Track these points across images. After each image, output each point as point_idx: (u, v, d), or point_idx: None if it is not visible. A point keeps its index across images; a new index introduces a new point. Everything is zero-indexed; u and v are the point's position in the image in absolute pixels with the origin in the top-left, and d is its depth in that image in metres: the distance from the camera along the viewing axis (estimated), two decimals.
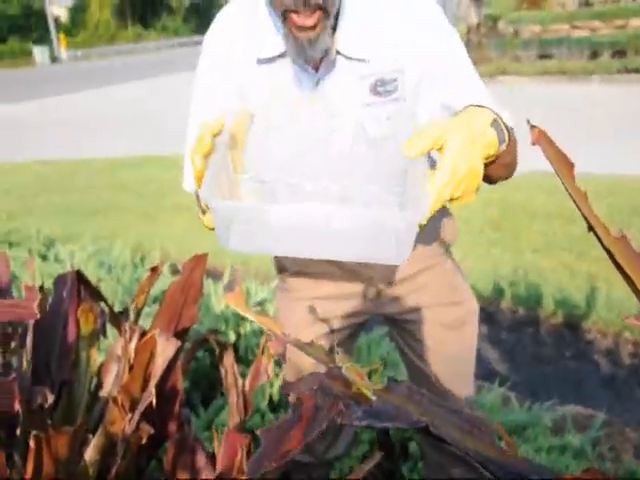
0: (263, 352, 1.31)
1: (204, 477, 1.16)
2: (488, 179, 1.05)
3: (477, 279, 3.43)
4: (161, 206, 5.62)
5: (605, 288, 3.16)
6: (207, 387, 2.23)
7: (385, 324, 1.53)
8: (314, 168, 1.11)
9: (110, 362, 1.35)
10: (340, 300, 1.40)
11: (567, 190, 0.62)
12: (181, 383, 1.25)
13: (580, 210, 0.61)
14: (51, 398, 1.13)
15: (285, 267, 1.44)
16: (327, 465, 1.59)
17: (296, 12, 1.01)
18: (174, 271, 3.43)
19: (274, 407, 2.09)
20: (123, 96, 15.11)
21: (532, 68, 12.66)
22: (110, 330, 1.82)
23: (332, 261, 1.28)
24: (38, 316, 0.78)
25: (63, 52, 34.04)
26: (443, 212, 1.37)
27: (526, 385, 2.59)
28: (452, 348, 1.43)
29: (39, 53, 32.36)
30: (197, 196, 1.20)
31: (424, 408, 0.62)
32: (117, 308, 2.64)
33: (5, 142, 9.92)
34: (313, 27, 1.02)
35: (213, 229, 0.97)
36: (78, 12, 45.55)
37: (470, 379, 1.51)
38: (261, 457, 0.60)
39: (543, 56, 14.37)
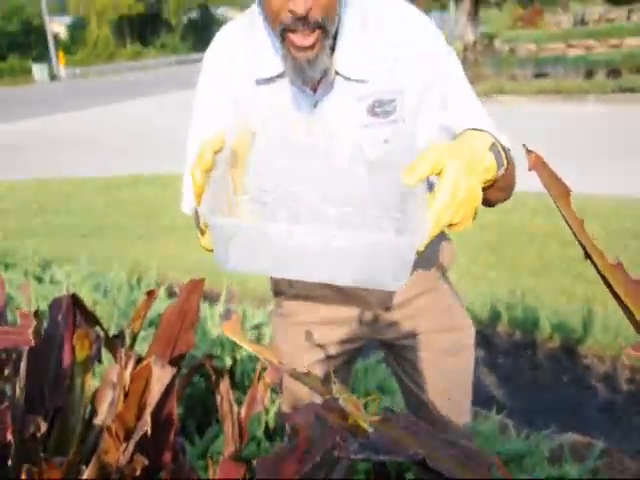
0: (259, 379, 1.30)
1: None
2: (486, 202, 1.05)
3: (473, 302, 3.42)
4: (157, 225, 5.62)
5: (601, 311, 3.15)
6: (202, 413, 2.21)
7: (381, 349, 1.52)
8: (312, 189, 1.11)
9: (105, 389, 1.34)
10: (337, 325, 1.40)
11: (563, 216, 0.62)
12: (176, 411, 1.24)
13: (576, 236, 0.61)
14: (44, 427, 1.12)
15: (282, 290, 1.43)
16: None
17: (294, 32, 1.01)
18: (170, 293, 3.42)
19: (270, 434, 2.07)
20: (121, 114, 15.15)
21: (528, 87, 12.75)
22: (105, 354, 1.82)
23: (329, 285, 1.28)
24: (33, 343, 0.77)
25: (62, 70, 34.16)
26: (441, 236, 1.37)
27: (523, 411, 2.58)
28: (449, 374, 1.43)
29: (38, 71, 32.48)
30: (196, 216, 1.20)
31: (421, 440, 0.61)
32: (113, 331, 2.66)
33: (3, 161, 9.91)
34: (312, 47, 1.03)
35: (211, 250, 0.96)
36: (77, 30, 45.84)
37: (467, 405, 1.50)
38: None
39: (539, 75, 14.49)
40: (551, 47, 19.73)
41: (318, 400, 0.70)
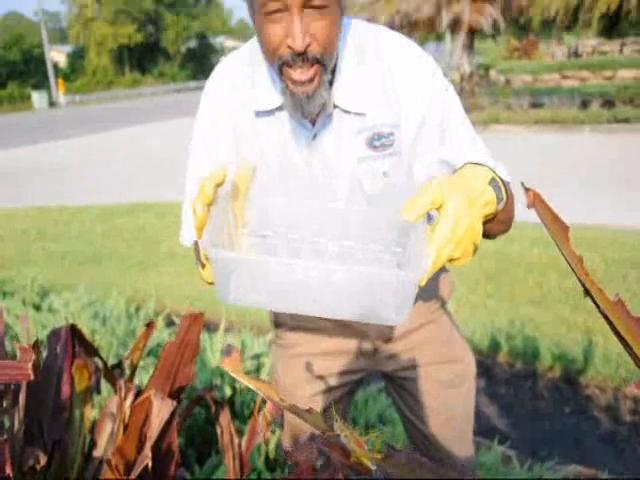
0: (259, 411, 1.29)
1: None
2: (486, 235, 1.05)
3: (473, 331, 3.41)
4: (156, 253, 5.61)
5: (602, 342, 3.15)
6: (202, 443, 2.19)
7: (382, 379, 1.51)
8: (312, 223, 1.11)
9: (104, 420, 1.32)
10: (337, 356, 1.39)
11: (562, 254, 0.62)
12: (176, 443, 1.23)
13: (576, 274, 0.61)
14: (44, 459, 1.10)
15: (282, 322, 1.43)
16: None
17: (293, 66, 1.02)
18: (169, 322, 3.40)
19: (271, 465, 2.05)
20: (119, 141, 15.23)
21: (524, 116, 12.87)
22: (104, 383, 1.80)
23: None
24: (32, 377, 0.77)
25: (61, 97, 34.43)
26: (440, 268, 1.37)
27: (525, 441, 2.55)
28: (451, 406, 1.42)
29: (38, 98, 32.74)
30: (196, 249, 1.20)
31: (424, 478, 0.61)
32: (111, 361, 2.63)
33: (3, 188, 9.94)
34: (310, 81, 1.03)
35: (211, 284, 0.96)
36: (77, 58, 46.30)
37: (469, 437, 1.49)
38: None
39: (535, 105, 14.65)
40: (546, 78, 20.02)
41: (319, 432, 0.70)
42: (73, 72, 44.51)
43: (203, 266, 0.97)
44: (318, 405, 1.41)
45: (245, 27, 59.36)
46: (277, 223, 1.08)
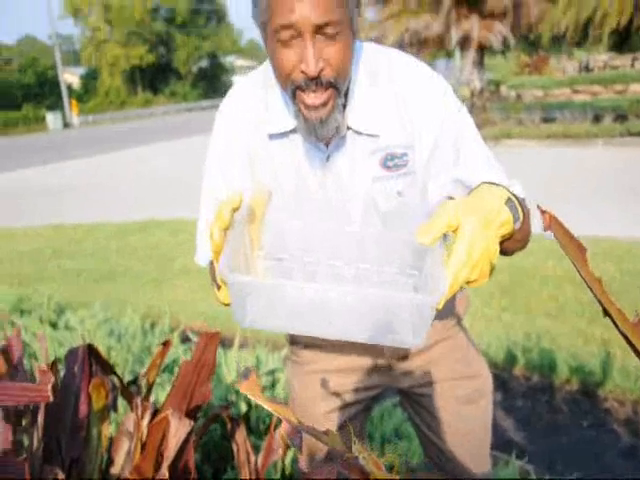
0: (276, 427, 1.29)
1: None
2: (503, 252, 1.05)
3: (488, 345, 3.39)
4: (170, 270, 5.64)
5: (620, 354, 3.12)
6: (218, 458, 2.19)
7: (397, 394, 1.50)
8: (327, 245, 1.11)
9: (121, 438, 1.33)
10: (352, 373, 1.39)
11: (580, 274, 0.62)
12: (193, 462, 1.23)
13: (595, 295, 0.61)
14: (62, 477, 1.11)
15: (297, 339, 1.43)
16: None
17: (306, 91, 1.03)
18: (184, 338, 3.41)
19: None
20: (132, 160, 15.36)
21: (536, 131, 12.84)
22: (120, 400, 1.80)
23: None
24: (51, 399, 0.77)
25: (75, 118, 34.81)
26: None
27: (543, 455, 2.53)
28: (467, 422, 1.41)
29: (52, 119, 33.10)
30: (212, 270, 1.21)
31: None
32: (127, 377, 2.64)
33: (19, 208, 10.04)
34: (324, 105, 1.04)
35: (227, 305, 0.96)
36: (90, 80, 46.85)
37: (486, 452, 1.48)
38: None
39: (546, 119, 14.62)
40: (557, 93, 20.00)
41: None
42: (86, 93, 45.03)
43: (219, 287, 0.98)
44: (334, 422, 1.40)
45: (255, 47, 59.92)
46: (293, 246, 1.08)
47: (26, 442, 1.18)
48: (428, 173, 1.17)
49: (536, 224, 1.12)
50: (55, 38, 38.07)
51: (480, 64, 15.46)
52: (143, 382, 1.42)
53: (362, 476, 0.61)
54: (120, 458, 1.30)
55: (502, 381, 3.13)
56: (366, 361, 1.37)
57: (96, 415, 1.28)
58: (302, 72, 1.01)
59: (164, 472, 1.05)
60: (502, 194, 0.89)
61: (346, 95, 1.12)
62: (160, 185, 10.87)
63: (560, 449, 2.58)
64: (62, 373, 1.38)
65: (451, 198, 1.17)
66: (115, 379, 1.41)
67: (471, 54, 15.02)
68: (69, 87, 40.14)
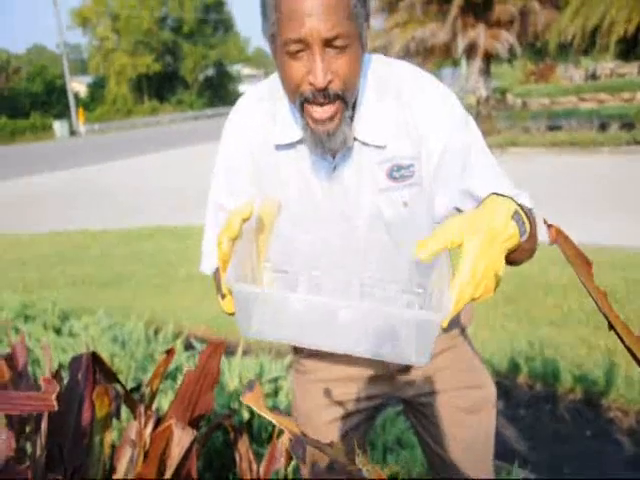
0: (278, 436, 1.29)
1: None
2: (511, 263, 1.04)
3: (492, 353, 3.39)
4: (174, 277, 5.66)
5: (624, 364, 3.11)
6: (220, 467, 2.19)
7: (400, 402, 1.50)
8: (333, 258, 1.12)
9: (124, 446, 1.33)
10: (356, 383, 1.39)
11: (586, 288, 0.62)
12: (196, 470, 1.23)
13: (600, 309, 0.61)
14: None
15: (300, 348, 1.43)
16: None
17: (313, 103, 1.04)
18: (187, 346, 3.42)
19: None
20: (138, 168, 15.41)
21: (542, 139, 12.83)
22: (124, 407, 1.81)
23: None
24: (56, 408, 0.78)
25: (81, 126, 34.96)
26: None
27: (546, 465, 2.52)
28: (470, 432, 1.41)
29: (59, 127, 33.27)
30: (216, 279, 1.21)
31: None
32: (130, 384, 2.64)
33: (25, 214, 10.09)
34: (331, 118, 1.05)
35: (231, 314, 0.97)
36: (97, 88, 47.06)
37: (489, 462, 1.48)
38: None
39: (552, 127, 14.60)
40: (563, 101, 19.99)
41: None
42: (93, 101, 45.22)
43: (223, 296, 0.98)
44: (337, 431, 1.41)
45: (262, 55, 60.03)
46: (299, 259, 1.09)
47: (29, 449, 1.19)
48: (435, 184, 1.18)
49: (541, 232, 1.12)
50: (63, 47, 38.31)
51: (486, 72, 15.48)
52: (146, 390, 1.43)
53: None
54: (123, 466, 1.30)
55: (505, 390, 3.13)
56: (369, 370, 1.37)
57: (99, 423, 1.29)
58: (310, 84, 1.01)
59: None
60: (509, 207, 0.88)
61: (354, 107, 1.13)
62: (166, 193, 10.91)
63: (563, 459, 2.57)
64: (66, 380, 1.39)
65: (459, 209, 1.18)
66: (119, 387, 1.42)
67: (477, 62, 15.04)
68: (76, 95, 40.31)
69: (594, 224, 6.23)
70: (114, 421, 2.00)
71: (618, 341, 0.59)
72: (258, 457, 2.00)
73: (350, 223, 1.19)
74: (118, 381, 1.40)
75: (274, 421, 0.67)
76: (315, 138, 1.08)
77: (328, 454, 0.64)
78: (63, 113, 38.43)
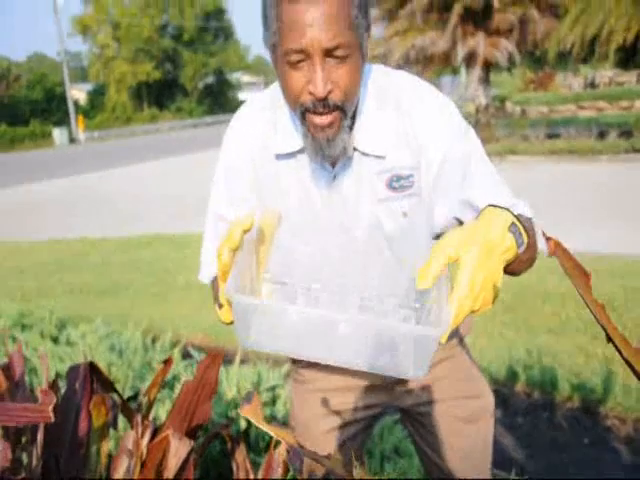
0: (276, 446, 1.29)
1: None
2: (510, 273, 1.04)
3: (490, 362, 3.39)
4: (172, 285, 5.65)
5: (622, 372, 3.10)
6: (217, 476, 2.18)
7: (398, 411, 1.50)
8: (332, 270, 1.12)
9: (121, 456, 1.33)
10: (353, 392, 1.39)
11: (584, 300, 0.63)
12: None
13: (598, 321, 0.61)
14: None
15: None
16: None
17: (314, 112, 1.05)
18: (185, 354, 3.41)
19: None
20: (137, 176, 15.41)
21: (541, 147, 12.86)
22: (120, 417, 1.80)
23: None
24: (53, 419, 0.78)
25: (81, 133, 34.99)
26: None
27: (543, 473, 2.52)
28: (468, 442, 1.41)
29: (58, 134, 33.29)
30: (213, 288, 1.22)
31: None
32: (127, 393, 2.64)
33: (24, 222, 10.09)
34: (330, 125, 1.06)
35: (228, 323, 0.97)
36: (97, 96, 47.12)
37: (487, 471, 1.48)
38: None
39: (551, 135, 14.63)
40: (562, 109, 20.04)
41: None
42: (93, 109, 45.29)
43: (220, 306, 0.99)
44: (334, 440, 1.41)
45: (262, 63, 60.12)
46: (298, 270, 1.09)
47: (25, 460, 1.19)
48: (435, 194, 1.18)
49: (540, 241, 1.12)
50: (64, 55, 38.37)
51: (486, 80, 15.52)
52: (144, 400, 1.43)
53: None
54: (119, 476, 1.30)
55: (503, 398, 3.13)
56: (367, 380, 1.37)
57: (96, 433, 1.29)
58: (310, 94, 1.02)
59: None
60: (506, 219, 0.88)
61: (353, 117, 1.13)
62: (166, 200, 10.92)
63: (561, 467, 2.57)
64: (63, 390, 1.39)
65: (459, 220, 1.18)
66: (116, 397, 1.42)
67: (477, 70, 15.08)
68: (76, 103, 40.37)
69: (593, 232, 6.24)
70: (111, 431, 1.99)
71: (615, 350, 0.60)
72: (255, 466, 1.99)
73: (349, 234, 1.19)
74: (115, 391, 1.40)
75: (272, 434, 0.67)
76: (315, 145, 1.08)
77: (325, 466, 0.65)
78: (63, 121, 38.46)
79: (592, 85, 25.21)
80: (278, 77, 1.09)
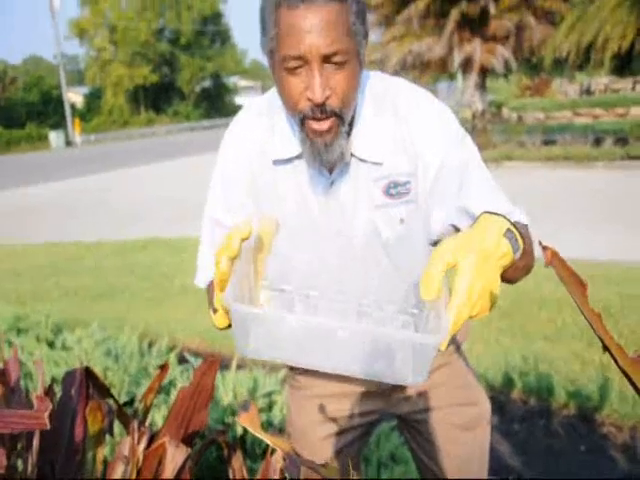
0: (272, 452, 1.28)
1: None
2: (507, 280, 1.04)
3: (486, 368, 3.38)
4: (168, 289, 5.65)
5: (618, 379, 3.11)
6: None
7: (395, 418, 1.50)
8: (330, 277, 1.12)
9: (117, 462, 1.33)
10: (350, 399, 1.39)
11: (580, 310, 0.62)
12: None
13: (594, 330, 0.61)
14: None
15: None
16: None
17: (312, 119, 1.05)
18: (181, 359, 3.40)
19: None
20: (133, 179, 15.40)
21: (537, 154, 12.89)
22: (117, 422, 1.80)
23: None
24: (49, 427, 0.78)
25: (77, 136, 34.96)
26: None
27: None
28: (464, 449, 1.41)
29: (54, 137, 33.26)
30: (208, 293, 1.21)
31: None
32: (123, 398, 2.63)
33: (20, 224, 10.08)
34: (328, 131, 1.06)
35: (223, 329, 0.97)
36: (94, 99, 47.13)
37: (483, 478, 1.47)
38: None
39: (547, 142, 14.68)
40: (558, 115, 20.10)
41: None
42: (89, 112, 45.29)
43: (215, 311, 0.98)
44: (331, 447, 1.40)
45: (259, 67, 60.22)
46: (296, 277, 1.09)
47: (20, 467, 1.18)
48: (432, 200, 1.18)
49: (537, 248, 1.12)
50: (60, 58, 38.35)
51: (482, 86, 15.58)
52: (140, 406, 1.42)
53: None
54: None
55: (499, 404, 3.13)
56: (364, 387, 1.37)
57: (92, 439, 1.28)
58: (308, 99, 1.02)
59: None
60: (501, 225, 0.88)
61: (351, 123, 1.14)
62: (162, 204, 10.91)
63: (557, 474, 2.57)
64: (59, 395, 1.38)
65: (455, 227, 1.18)
66: (112, 402, 1.41)
67: (473, 77, 15.14)
68: (73, 106, 40.34)
69: (589, 238, 6.25)
70: (107, 436, 1.99)
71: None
72: (252, 473, 1.99)
73: (347, 240, 1.19)
74: (111, 396, 1.40)
75: (269, 442, 0.67)
76: (313, 150, 1.08)
77: (322, 474, 0.64)
78: (59, 123, 38.44)
79: (588, 92, 25.31)
80: (276, 83, 1.08)
